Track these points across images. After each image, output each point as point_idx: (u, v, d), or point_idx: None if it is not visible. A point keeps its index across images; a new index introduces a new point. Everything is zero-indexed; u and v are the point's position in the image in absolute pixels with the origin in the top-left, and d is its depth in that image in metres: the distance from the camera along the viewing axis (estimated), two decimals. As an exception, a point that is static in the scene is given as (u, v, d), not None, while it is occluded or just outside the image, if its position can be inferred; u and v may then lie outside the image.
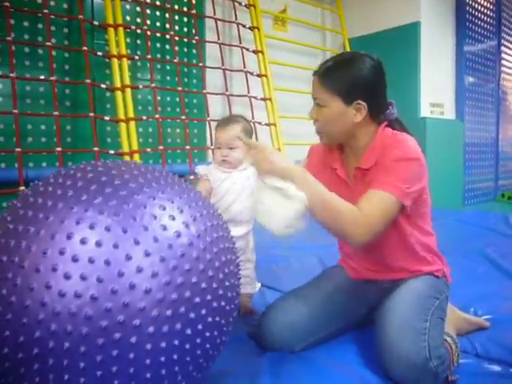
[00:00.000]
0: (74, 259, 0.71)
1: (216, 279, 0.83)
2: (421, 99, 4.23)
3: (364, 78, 1.16)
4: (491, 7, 5.29)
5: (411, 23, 4.19)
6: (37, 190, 0.83)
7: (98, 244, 0.72)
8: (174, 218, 0.81)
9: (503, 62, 5.67)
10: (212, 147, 3.05)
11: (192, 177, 2.80)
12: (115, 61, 2.83)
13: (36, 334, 0.69)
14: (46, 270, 0.70)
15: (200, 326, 0.79)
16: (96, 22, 2.90)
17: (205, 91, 3.32)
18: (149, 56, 3.08)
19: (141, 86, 2.97)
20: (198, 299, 0.79)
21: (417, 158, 1.15)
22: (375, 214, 1.09)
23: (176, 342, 0.76)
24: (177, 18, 3.55)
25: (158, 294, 0.73)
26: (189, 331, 0.77)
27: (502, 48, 5.63)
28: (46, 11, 2.68)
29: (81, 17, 2.81)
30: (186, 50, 3.61)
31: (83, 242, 0.72)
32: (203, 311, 0.80)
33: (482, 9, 5.13)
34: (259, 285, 1.67)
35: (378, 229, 1.10)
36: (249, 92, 3.60)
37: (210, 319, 0.81)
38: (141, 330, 0.72)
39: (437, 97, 4.45)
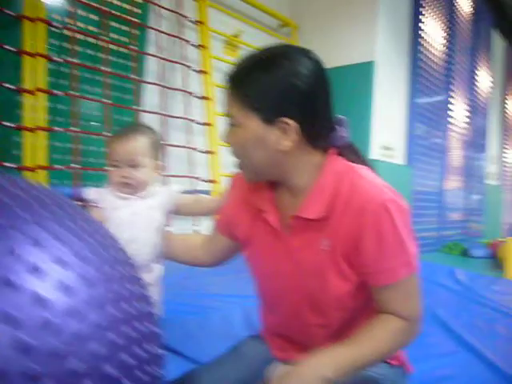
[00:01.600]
0: None
1: None
2: (372, 141, 4.04)
3: (296, 90, 0.79)
4: (444, 58, 5.34)
5: (366, 62, 4.05)
6: None
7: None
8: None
9: (451, 117, 5.71)
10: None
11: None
12: (28, 59, 2.41)
13: None
14: None
15: None
16: (11, 12, 2.47)
17: (136, 107, 2.93)
18: (74, 60, 2.67)
19: (58, 92, 2.54)
20: None
21: (400, 207, 0.81)
22: (415, 308, 0.84)
23: None
24: (115, 24, 3.18)
25: None
26: None
27: (451, 101, 5.68)
28: None
29: (-9, 4, 2.38)
30: (122, 61, 3.22)
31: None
32: None
33: (435, 59, 5.15)
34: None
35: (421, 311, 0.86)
36: (188, 115, 3.24)
37: None
38: None
39: (388, 140, 4.30)
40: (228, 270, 1.73)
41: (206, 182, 3.19)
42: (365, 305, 0.87)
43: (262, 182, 0.92)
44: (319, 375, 0.73)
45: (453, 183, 5.96)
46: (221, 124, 3.44)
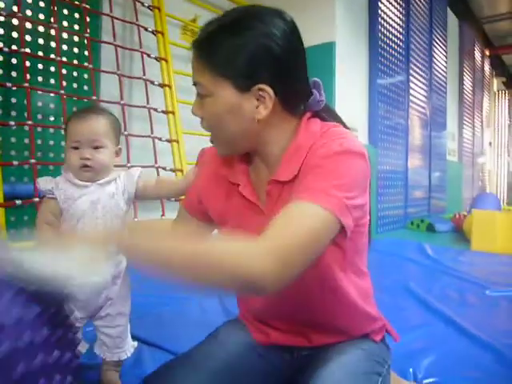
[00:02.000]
0: None
1: None
2: (335, 122, 4.05)
3: (269, 52, 0.73)
4: (401, 39, 5.39)
5: (327, 43, 4.04)
6: None
7: None
8: None
9: (411, 95, 5.80)
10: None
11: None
12: (-26, 50, 2.27)
13: None
14: None
15: None
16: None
17: (94, 98, 2.82)
18: (23, 50, 2.53)
19: (9, 85, 2.41)
20: None
21: (361, 153, 0.75)
22: (293, 233, 0.63)
23: None
24: (66, 12, 3.04)
25: None
26: None
27: (411, 81, 5.76)
28: None
29: None
30: (76, 50, 3.10)
31: None
32: None
33: (394, 39, 5.20)
34: (134, 344, 1.21)
35: (299, 260, 0.63)
36: (149, 103, 3.15)
37: None
38: None
39: (351, 121, 4.32)
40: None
41: (171, 171, 3.12)
42: (340, 263, 0.82)
43: (234, 155, 0.87)
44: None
45: (416, 161, 6.07)
46: (183, 111, 3.36)
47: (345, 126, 0.86)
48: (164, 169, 3.06)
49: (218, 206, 0.91)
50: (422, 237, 4.55)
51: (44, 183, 1.07)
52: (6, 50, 2.46)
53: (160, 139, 3.11)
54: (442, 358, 1.36)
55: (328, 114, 0.86)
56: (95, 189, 1.07)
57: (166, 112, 3.20)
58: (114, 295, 1.11)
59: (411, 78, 5.76)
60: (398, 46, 5.34)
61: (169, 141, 3.17)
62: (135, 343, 1.22)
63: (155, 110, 3.16)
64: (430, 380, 1.21)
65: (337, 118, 0.87)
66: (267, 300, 0.86)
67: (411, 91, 5.79)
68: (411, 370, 1.26)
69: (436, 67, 6.69)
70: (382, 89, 4.89)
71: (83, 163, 1.05)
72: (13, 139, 2.72)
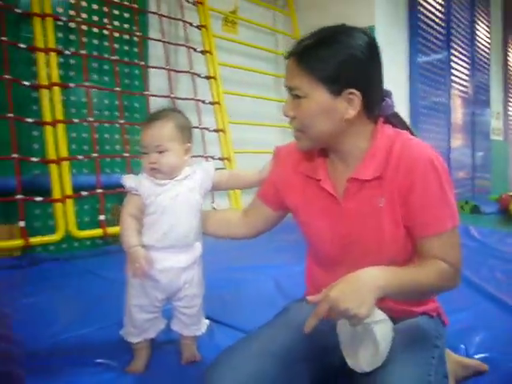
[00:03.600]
0: None
1: None
2: (377, 106, 4.08)
3: (356, 60, 0.88)
4: (442, 17, 5.29)
5: (366, 27, 4.04)
6: None
7: None
8: None
9: (453, 74, 5.69)
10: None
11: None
12: (41, 55, 2.45)
13: None
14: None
15: None
16: (19, 10, 2.50)
17: (146, 93, 2.98)
18: (82, 51, 2.70)
19: (72, 85, 2.59)
20: None
21: (443, 165, 0.91)
22: (458, 257, 0.91)
23: None
24: (117, 12, 3.19)
25: None
26: None
27: (452, 59, 5.65)
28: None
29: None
30: (126, 48, 3.25)
31: None
32: None
33: (434, 18, 5.12)
34: (207, 322, 1.35)
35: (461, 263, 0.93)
36: (196, 95, 3.28)
37: None
38: None
39: (392, 104, 4.32)
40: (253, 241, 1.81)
41: (219, 160, 3.26)
42: (411, 256, 0.95)
43: (311, 151, 1.00)
44: (371, 283, 0.79)
45: (458, 141, 5.99)
46: (228, 102, 3.48)
47: (411, 131, 0.97)
48: (212, 158, 3.21)
49: (295, 197, 1.04)
50: (467, 219, 4.50)
51: (129, 181, 1.19)
52: (67, 52, 2.64)
53: (208, 129, 3.25)
54: (491, 335, 1.43)
55: (396, 120, 0.98)
56: (174, 185, 1.19)
57: (212, 103, 3.34)
58: (191, 279, 1.25)
59: (452, 56, 5.66)
60: (439, 24, 5.25)
61: (216, 131, 3.31)
62: (207, 321, 1.36)
63: (202, 101, 3.30)
64: (482, 355, 1.29)
65: (404, 125, 0.98)
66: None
67: (452, 70, 5.69)
68: (463, 346, 1.34)
69: (478, 44, 6.52)
70: (422, 69, 4.85)
71: (150, 167, 1.18)
72: (73, 134, 2.90)
